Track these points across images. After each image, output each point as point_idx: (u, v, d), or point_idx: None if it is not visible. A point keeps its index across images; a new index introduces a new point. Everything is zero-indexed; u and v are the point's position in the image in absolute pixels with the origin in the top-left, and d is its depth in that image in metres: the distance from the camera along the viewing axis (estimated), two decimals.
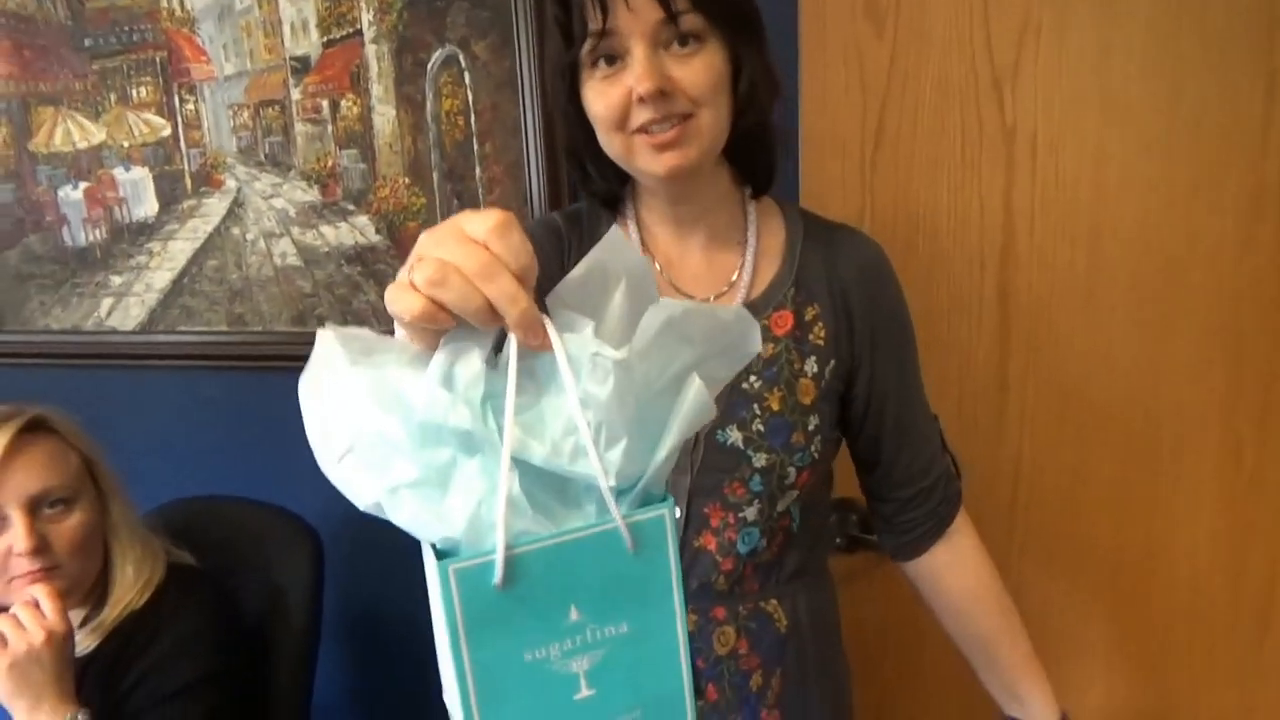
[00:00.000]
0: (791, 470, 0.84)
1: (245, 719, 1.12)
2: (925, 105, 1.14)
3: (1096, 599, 1.21)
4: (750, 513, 0.84)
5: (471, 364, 0.44)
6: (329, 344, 0.46)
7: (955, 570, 0.94)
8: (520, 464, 0.45)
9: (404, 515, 0.46)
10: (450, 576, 0.46)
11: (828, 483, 0.94)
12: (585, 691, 0.50)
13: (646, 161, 0.76)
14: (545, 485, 0.47)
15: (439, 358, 0.44)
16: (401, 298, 0.42)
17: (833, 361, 0.86)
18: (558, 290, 0.46)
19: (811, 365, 0.85)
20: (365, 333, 0.47)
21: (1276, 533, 1.11)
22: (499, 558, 0.46)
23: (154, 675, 1.03)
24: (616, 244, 0.46)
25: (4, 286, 1.79)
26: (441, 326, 0.43)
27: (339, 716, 1.74)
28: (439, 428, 0.44)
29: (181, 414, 1.73)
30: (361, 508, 0.47)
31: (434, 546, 0.47)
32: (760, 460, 0.82)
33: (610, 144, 0.78)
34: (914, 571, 0.96)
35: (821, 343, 0.85)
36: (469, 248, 0.41)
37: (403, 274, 0.44)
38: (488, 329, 0.44)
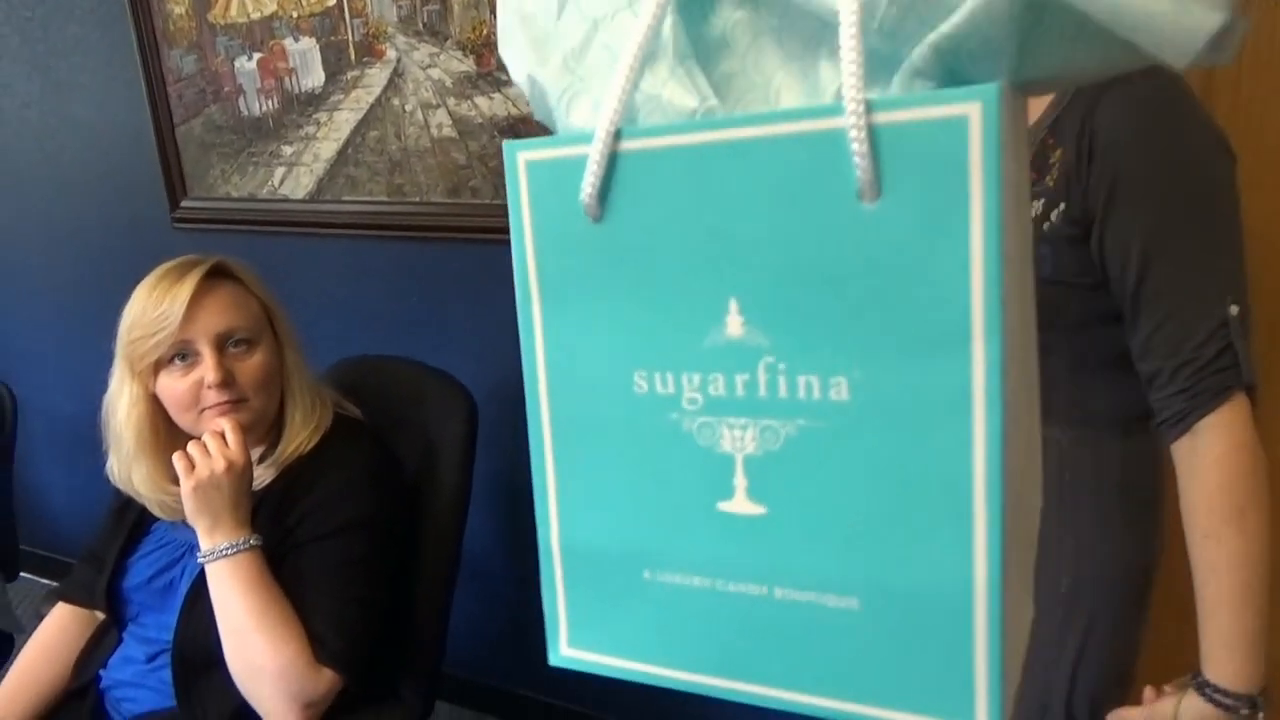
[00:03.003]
0: None
1: (398, 561, 1.20)
2: None
3: None
4: None
5: None
6: None
7: (1184, 472, 0.82)
8: None
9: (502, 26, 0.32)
10: (520, 170, 0.32)
11: (1090, 335, 0.84)
12: (742, 503, 0.31)
13: None
14: (752, 15, 0.29)
15: None
16: None
17: (1062, 205, 0.79)
18: None
19: (1036, 207, 0.79)
20: None
21: None
22: (595, 148, 0.30)
23: (316, 514, 1.11)
24: None
25: (190, 155, 1.90)
26: None
27: (486, 563, 1.85)
28: None
29: (347, 280, 1.82)
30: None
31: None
32: None
33: None
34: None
35: (1052, 184, 0.79)
36: None
37: None
38: None
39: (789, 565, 0.31)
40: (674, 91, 0.31)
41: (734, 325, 0.30)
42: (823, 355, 0.29)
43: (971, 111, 0.26)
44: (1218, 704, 0.78)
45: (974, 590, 0.28)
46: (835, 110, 0.27)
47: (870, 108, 0.27)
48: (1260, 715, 0.78)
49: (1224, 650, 0.78)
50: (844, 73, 0.27)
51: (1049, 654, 0.86)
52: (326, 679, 1.05)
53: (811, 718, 0.32)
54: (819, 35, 0.30)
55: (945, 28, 0.26)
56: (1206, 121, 0.78)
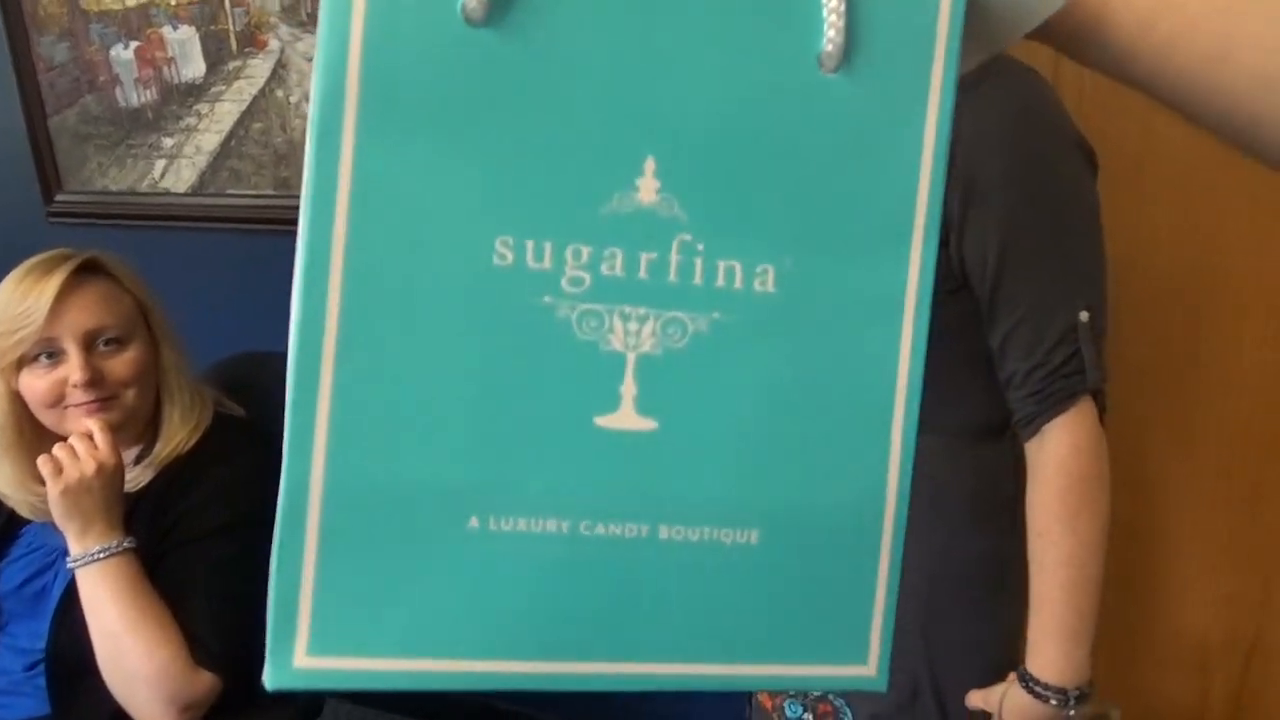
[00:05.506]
0: None
1: None
2: None
3: None
4: None
5: None
6: None
7: (1030, 472, 0.82)
8: None
9: None
10: None
11: (949, 340, 0.83)
12: (629, 416, 0.25)
13: None
14: None
15: None
16: None
17: None
18: None
19: None
20: None
21: None
22: None
23: (194, 513, 1.09)
24: None
25: (64, 147, 1.83)
26: None
27: None
28: None
29: (235, 275, 1.78)
30: None
31: None
32: None
33: None
34: None
35: None
36: None
37: None
38: None
39: (680, 495, 0.25)
40: None
41: (647, 190, 0.24)
42: (750, 239, 0.25)
43: None
44: (1032, 692, 0.81)
45: (885, 511, 0.27)
46: None
47: None
48: (1073, 710, 0.80)
49: (1043, 643, 0.81)
50: None
51: (914, 644, 0.88)
52: (205, 681, 1.03)
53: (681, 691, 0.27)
54: None
55: None
56: (1063, 126, 0.79)
